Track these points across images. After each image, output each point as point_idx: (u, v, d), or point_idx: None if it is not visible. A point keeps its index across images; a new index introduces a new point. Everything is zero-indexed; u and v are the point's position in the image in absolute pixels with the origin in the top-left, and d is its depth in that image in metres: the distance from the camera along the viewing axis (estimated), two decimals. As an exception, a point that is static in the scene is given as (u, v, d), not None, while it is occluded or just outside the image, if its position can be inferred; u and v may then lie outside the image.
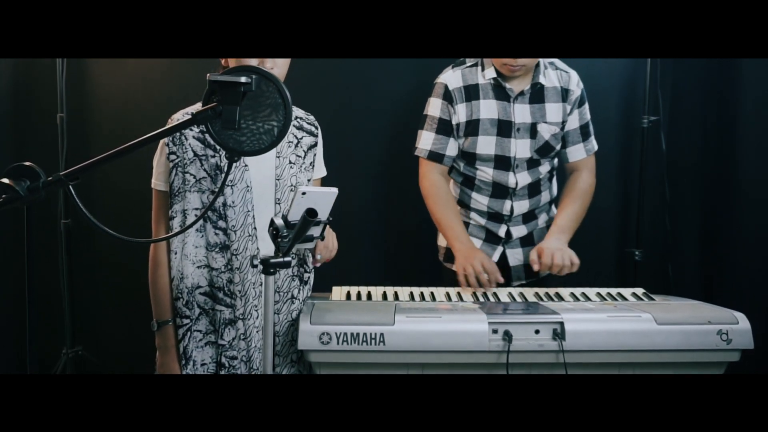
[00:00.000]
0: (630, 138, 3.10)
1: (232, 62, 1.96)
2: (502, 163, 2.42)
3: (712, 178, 3.04)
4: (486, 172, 2.44)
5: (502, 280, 2.25)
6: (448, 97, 2.40)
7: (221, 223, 1.94)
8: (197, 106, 1.92)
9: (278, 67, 1.96)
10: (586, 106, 2.47)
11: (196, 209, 1.93)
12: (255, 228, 1.96)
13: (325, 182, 2.20)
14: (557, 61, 2.45)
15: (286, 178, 2.01)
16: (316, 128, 2.15)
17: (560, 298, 2.17)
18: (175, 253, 1.95)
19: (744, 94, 2.87)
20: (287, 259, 1.59)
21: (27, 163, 1.36)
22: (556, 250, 2.25)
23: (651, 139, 3.02)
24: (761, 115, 2.81)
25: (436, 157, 2.43)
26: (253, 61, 1.90)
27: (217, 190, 1.90)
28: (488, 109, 2.38)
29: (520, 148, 2.40)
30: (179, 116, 1.97)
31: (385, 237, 3.13)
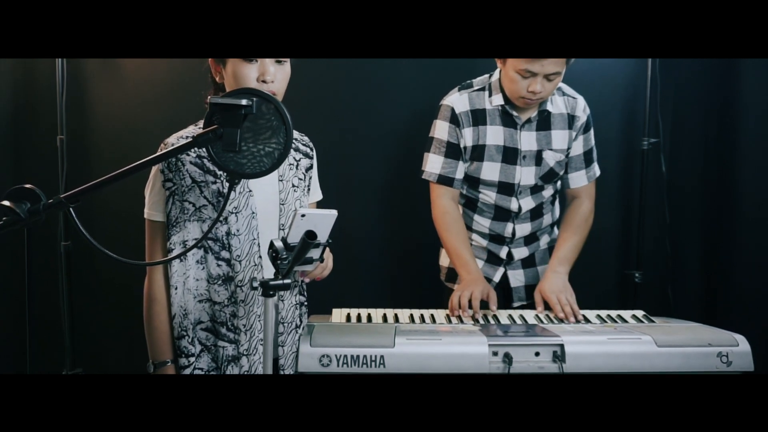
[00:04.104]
0: (630, 160, 3.11)
1: (228, 64, 1.84)
2: (506, 189, 2.41)
3: (712, 200, 3.05)
4: (489, 196, 2.43)
5: (495, 308, 2.21)
6: (455, 120, 2.37)
7: (224, 254, 1.85)
8: (191, 129, 1.90)
9: (278, 81, 1.83)
10: (591, 132, 2.46)
11: (197, 240, 1.81)
12: (260, 257, 1.88)
13: (326, 204, 2.14)
14: (564, 86, 2.43)
15: (290, 203, 1.95)
16: (311, 150, 2.09)
17: (560, 320, 2.17)
18: (176, 289, 1.84)
19: (745, 116, 2.87)
20: (287, 281, 1.58)
21: (27, 186, 1.36)
22: (559, 293, 2.24)
23: (651, 161, 3.03)
24: (762, 137, 2.81)
25: (446, 180, 2.41)
26: (253, 75, 1.80)
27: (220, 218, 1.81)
28: (495, 135, 2.37)
29: (525, 175, 2.39)
30: (173, 140, 1.86)
31: (385, 259, 3.13)
